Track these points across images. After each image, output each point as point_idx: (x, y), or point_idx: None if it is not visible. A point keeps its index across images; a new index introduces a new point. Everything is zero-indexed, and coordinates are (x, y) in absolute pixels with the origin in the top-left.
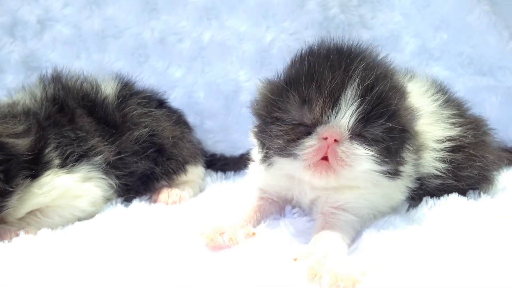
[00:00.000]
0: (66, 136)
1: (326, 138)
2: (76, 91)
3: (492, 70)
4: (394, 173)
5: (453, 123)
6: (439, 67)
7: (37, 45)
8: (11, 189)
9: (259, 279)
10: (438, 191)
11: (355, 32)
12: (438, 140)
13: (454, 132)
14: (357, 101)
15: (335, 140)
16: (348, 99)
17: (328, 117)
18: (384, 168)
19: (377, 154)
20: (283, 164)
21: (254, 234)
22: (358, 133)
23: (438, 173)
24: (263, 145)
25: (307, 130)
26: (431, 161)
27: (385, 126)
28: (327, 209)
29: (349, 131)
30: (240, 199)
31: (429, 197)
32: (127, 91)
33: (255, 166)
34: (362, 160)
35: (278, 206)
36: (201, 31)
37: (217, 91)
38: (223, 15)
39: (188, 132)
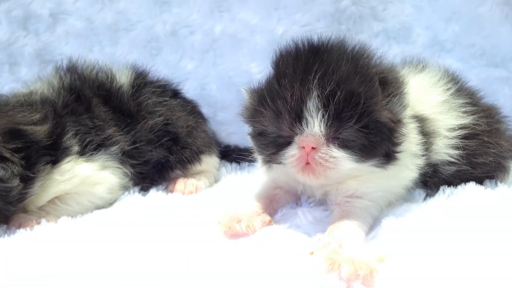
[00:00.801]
0: (84, 125)
1: (304, 147)
2: (92, 80)
3: (505, 61)
4: (386, 161)
5: (465, 112)
6: (451, 59)
7: (50, 38)
8: (33, 175)
9: (277, 268)
10: (454, 179)
11: (367, 24)
12: (450, 128)
13: (466, 120)
14: (321, 111)
15: (313, 148)
16: (311, 110)
17: (299, 128)
18: (369, 162)
19: (355, 153)
20: (279, 167)
21: (271, 221)
22: (334, 136)
23: (452, 159)
24: (258, 152)
25: (287, 140)
26: (444, 147)
27: (356, 126)
28: (341, 199)
29: (324, 137)
30: (256, 188)
31: (446, 186)
32: (142, 80)
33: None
34: (342, 161)
35: (294, 195)
36: (213, 23)
37: (230, 83)
38: (234, 8)
39: (202, 122)
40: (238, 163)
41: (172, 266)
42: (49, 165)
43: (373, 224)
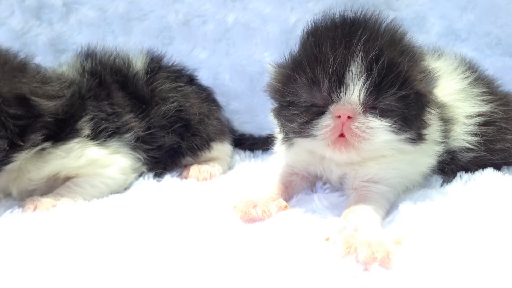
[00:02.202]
0: (103, 110)
1: (339, 116)
2: (110, 66)
3: None
4: (417, 138)
5: (483, 100)
6: (466, 48)
7: (63, 28)
8: (21, 143)
9: (293, 253)
10: (472, 165)
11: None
12: (468, 115)
13: (484, 108)
14: (364, 76)
15: (349, 117)
16: (353, 75)
17: (337, 95)
18: (404, 136)
19: (394, 123)
20: (303, 143)
21: (286, 207)
22: (372, 106)
23: (470, 146)
24: (282, 127)
25: (320, 110)
26: (462, 134)
27: (397, 94)
28: (358, 183)
29: (361, 105)
30: (271, 174)
31: (463, 172)
32: (156, 65)
33: (280, 145)
34: (379, 132)
35: (309, 182)
36: (225, 13)
37: (242, 72)
38: None
39: (216, 110)
40: (252, 151)
41: (190, 251)
42: (49, 141)
43: (390, 209)
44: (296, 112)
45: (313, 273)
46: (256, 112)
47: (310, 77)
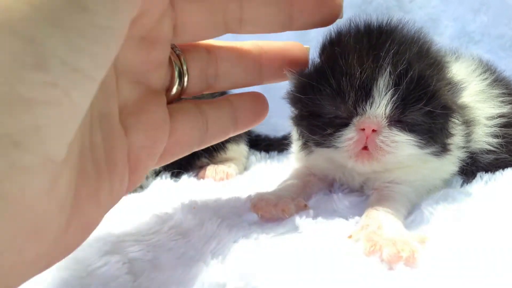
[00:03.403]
0: None
1: (364, 129)
2: None
3: None
4: (442, 150)
5: (502, 101)
6: (480, 50)
7: None
8: None
9: (315, 251)
10: (492, 167)
11: (393, 16)
12: (489, 117)
13: (504, 109)
14: (391, 90)
15: (373, 130)
16: (380, 89)
17: (363, 108)
18: (429, 149)
19: (420, 138)
20: (323, 152)
21: (306, 206)
22: (397, 119)
23: (491, 148)
24: (302, 135)
25: (344, 121)
26: (483, 136)
27: (424, 109)
28: (380, 184)
29: (386, 119)
30: (289, 175)
31: (484, 172)
32: None
33: (299, 151)
34: (403, 146)
35: (327, 183)
36: None
37: None
38: None
39: None
40: (268, 152)
41: (206, 250)
42: None
43: (411, 209)
44: (318, 123)
45: (336, 270)
46: (270, 114)
47: (335, 89)
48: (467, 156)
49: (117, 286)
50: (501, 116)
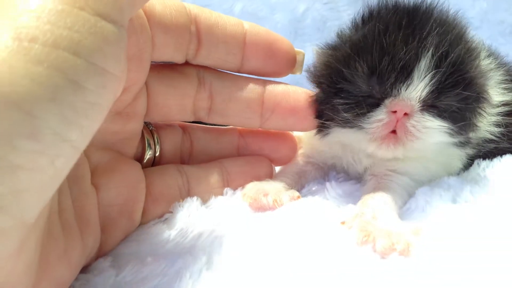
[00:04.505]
0: None
1: (395, 112)
2: None
3: None
4: (466, 142)
5: (505, 88)
6: (479, 37)
7: None
8: None
9: (307, 241)
10: (491, 155)
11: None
12: (492, 105)
13: (508, 97)
14: (431, 73)
15: (405, 114)
16: (421, 71)
17: (398, 90)
18: (457, 139)
19: (451, 125)
20: (342, 135)
21: (299, 197)
22: (431, 104)
23: (493, 137)
24: (322, 115)
25: (376, 102)
26: (486, 125)
27: (461, 95)
28: (381, 171)
29: (420, 103)
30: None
31: (481, 159)
32: None
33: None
34: (434, 132)
35: (323, 172)
36: (232, 2)
37: None
38: None
39: None
40: None
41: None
42: None
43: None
44: (348, 101)
45: (327, 258)
46: None
47: (374, 67)
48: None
49: (100, 280)
50: (504, 104)
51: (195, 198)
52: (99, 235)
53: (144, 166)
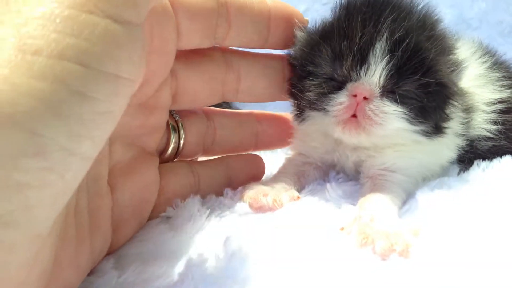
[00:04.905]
0: None
1: (356, 95)
2: None
3: None
4: (434, 131)
5: (502, 86)
6: (480, 39)
7: None
8: None
9: (306, 242)
10: (490, 154)
11: None
12: (488, 102)
13: (504, 94)
14: (387, 57)
15: (365, 98)
16: (377, 55)
17: (357, 74)
18: (419, 127)
19: (410, 112)
20: (315, 119)
21: (299, 197)
22: (391, 90)
23: (490, 135)
24: (295, 99)
25: (338, 85)
26: (482, 122)
27: (419, 82)
28: (374, 171)
29: (380, 88)
30: (283, 165)
31: (481, 160)
32: None
33: (295, 132)
34: (393, 118)
35: (322, 172)
36: None
37: None
38: None
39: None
40: None
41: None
42: None
43: (406, 198)
44: (314, 82)
45: (327, 262)
46: (265, 104)
47: (335, 50)
48: (466, 144)
49: (103, 282)
50: (500, 101)
51: (197, 198)
52: (109, 238)
53: (167, 158)
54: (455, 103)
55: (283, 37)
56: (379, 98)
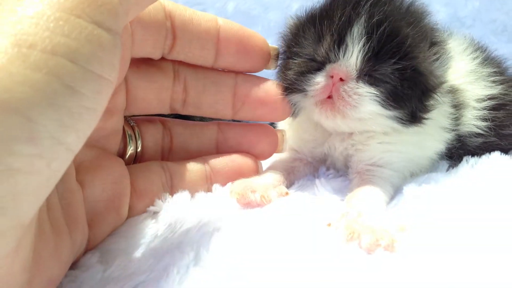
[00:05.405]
0: None
1: (333, 76)
2: None
3: None
4: (409, 120)
5: (493, 81)
6: (472, 36)
7: None
8: None
9: (293, 238)
10: (480, 150)
11: None
12: (478, 99)
13: (495, 90)
14: (364, 39)
15: (341, 79)
16: (354, 37)
17: (335, 55)
18: (392, 113)
19: (383, 95)
20: (305, 110)
21: (287, 193)
22: (367, 73)
23: (480, 131)
24: (280, 80)
25: (318, 66)
26: (472, 119)
27: (395, 66)
28: (362, 167)
29: (356, 70)
30: (273, 161)
31: (470, 156)
32: None
33: (285, 126)
34: (366, 101)
35: (313, 167)
36: (225, 1)
37: None
38: None
39: None
40: None
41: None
42: None
43: (394, 192)
44: (295, 61)
45: (314, 257)
46: None
47: (317, 31)
48: (455, 139)
49: (88, 276)
50: (490, 98)
51: (184, 193)
52: (87, 231)
53: (127, 162)
54: (435, 96)
55: (237, 59)
56: (355, 80)
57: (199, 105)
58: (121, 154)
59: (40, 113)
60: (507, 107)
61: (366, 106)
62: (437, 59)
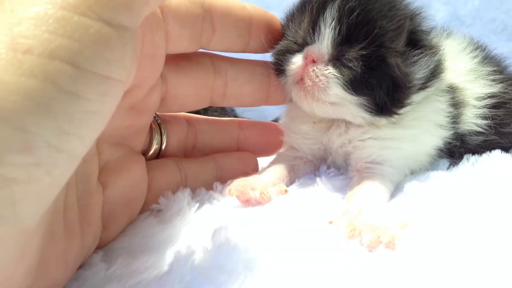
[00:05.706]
0: None
1: (307, 58)
2: None
3: None
4: (378, 110)
5: (493, 80)
6: (471, 35)
7: None
8: None
9: (295, 235)
10: (480, 149)
11: None
12: (478, 97)
13: (495, 89)
14: (334, 22)
15: (314, 61)
16: (326, 21)
17: (311, 38)
18: (357, 98)
19: (346, 79)
20: (282, 82)
21: (287, 191)
22: (336, 57)
23: (480, 129)
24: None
25: (298, 48)
26: (472, 117)
27: (361, 52)
28: (361, 164)
29: (328, 53)
30: (273, 159)
31: (471, 154)
32: None
33: (285, 123)
34: (332, 83)
35: (313, 166)
36: None
37: None
38: None
39: None
40: None
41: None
42: None
43: (394, 190)
44: (281, 43)
45: (316, 255)
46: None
47: (301, 15)
48: (456, 138)
49: (91, 274)
50: (490, 96)
51: (186, 192)
52: (99, 234)
53: (148, 158)
54: (408, 93)
55: (263, 42)
56: (325, 63)
57: (238, 96)
58: (145, 150)
59: (34, 122)
60: (507, 105)
61: (332, 89)
62: (415, 61)
